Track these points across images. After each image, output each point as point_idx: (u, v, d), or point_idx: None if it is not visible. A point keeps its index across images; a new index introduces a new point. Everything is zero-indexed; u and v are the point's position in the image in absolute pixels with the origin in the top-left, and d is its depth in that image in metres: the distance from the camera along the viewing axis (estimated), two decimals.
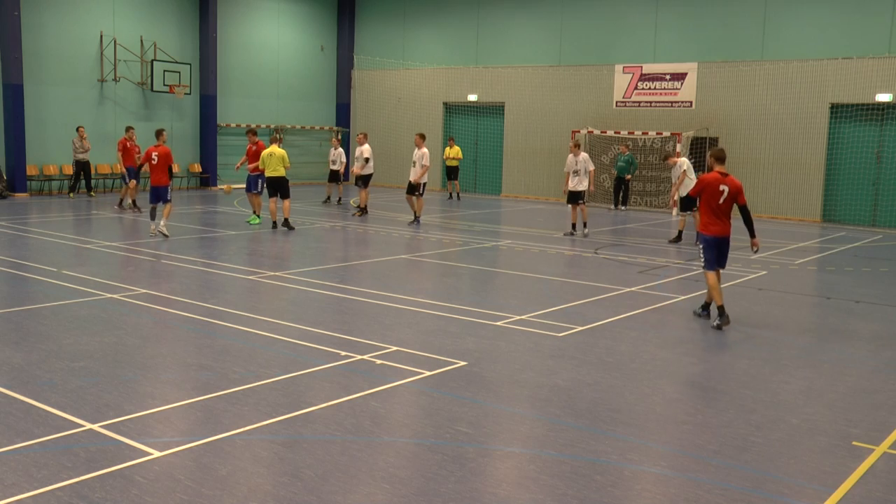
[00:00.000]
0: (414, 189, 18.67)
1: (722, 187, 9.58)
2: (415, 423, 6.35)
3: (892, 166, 21.75)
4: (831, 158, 22.50)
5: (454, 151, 26.25)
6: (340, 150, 23.63)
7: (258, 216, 18.39)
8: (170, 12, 26.55)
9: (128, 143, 20.42)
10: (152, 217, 15.84)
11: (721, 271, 10.03)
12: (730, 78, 23.60)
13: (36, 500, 4.76)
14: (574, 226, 17.85)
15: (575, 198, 17.44)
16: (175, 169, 26.39)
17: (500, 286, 12.41)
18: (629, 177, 24.23)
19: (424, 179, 18.68)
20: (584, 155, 17.43)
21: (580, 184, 17.30)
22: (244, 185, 18.99)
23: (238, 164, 19.65)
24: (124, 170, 20.18)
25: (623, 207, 24.47)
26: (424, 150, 18.55)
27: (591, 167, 17.45)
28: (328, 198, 23.76)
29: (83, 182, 23.37)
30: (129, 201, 20.00)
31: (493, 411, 6.63)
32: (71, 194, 23.15)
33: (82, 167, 23.02)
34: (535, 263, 14.10)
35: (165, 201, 15.75)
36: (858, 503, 5.14)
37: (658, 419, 6.56)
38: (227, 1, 27.96)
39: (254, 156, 18.26)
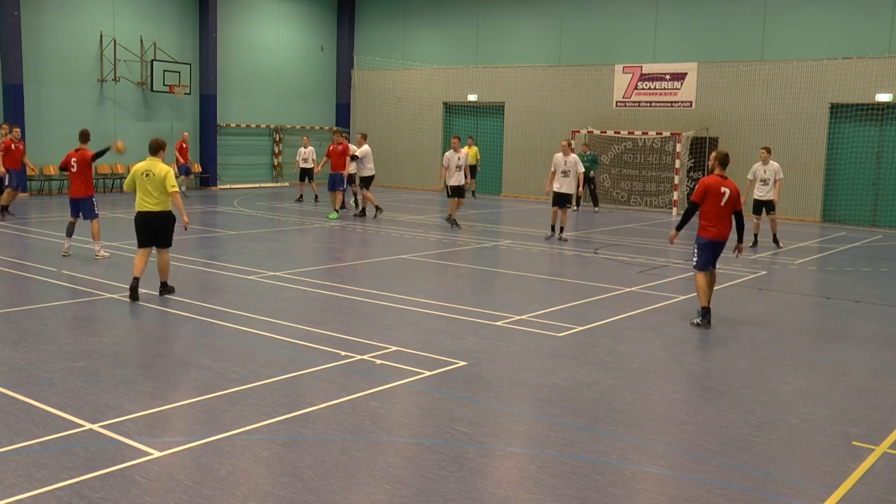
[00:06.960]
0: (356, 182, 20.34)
1: (723, 189, 9.71)
2: (415, 423, 6.35)
3: (892, 166, 21.75)
4: (831, 158, 22.50)
5: (472, 151, 26.40)
6: (311, 148, 24.39)
7: (337, 211, 19.59)
8: (170, 12, 26.55)
9: (12, 145, 18.38)
10: (68, 234, 13.28)
11: (715, 272, 10.05)
12: (730, 78, 23.60)
13: (36, 500, 4.76)
14: (553, 228, 17.01)
15: (563, 201, 16.65)
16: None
17: (500, 286, 12.41)
18: (592, 173, 23.80)
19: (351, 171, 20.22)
20: (574, 156, 16.66)
21: (570, 186, 16.54)
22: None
23: (321, 165, 20.87)
24: (4, 171, 18.16)
25: (596, 209, 24.07)
26: (365, 147, 19.78)
27: (581, 169, 16.71)
28: (300, 196, 24.04)
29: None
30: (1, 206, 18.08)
31: (493, 411, 6.63)
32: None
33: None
34: (535, 263, 14.10)
35: (91, 217, 13.09)
36: (858, 503, 5.14)
37: (658, 419, 6.56)
38: (227, 1, 27.96)
39: (339, 156, 19.55)
